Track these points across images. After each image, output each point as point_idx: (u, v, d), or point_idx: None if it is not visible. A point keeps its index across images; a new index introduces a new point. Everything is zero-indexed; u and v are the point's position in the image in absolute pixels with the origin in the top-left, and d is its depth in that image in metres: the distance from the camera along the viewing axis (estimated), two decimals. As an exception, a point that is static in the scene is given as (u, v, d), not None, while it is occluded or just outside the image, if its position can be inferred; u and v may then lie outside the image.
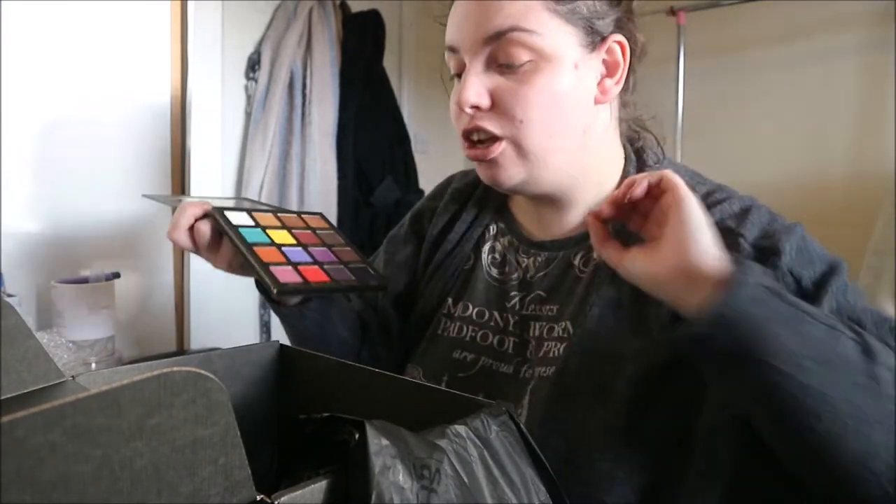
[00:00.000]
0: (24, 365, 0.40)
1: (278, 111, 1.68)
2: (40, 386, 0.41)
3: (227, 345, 0.65)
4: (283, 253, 0.69)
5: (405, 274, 0.79)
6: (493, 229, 0.76)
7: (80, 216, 1.38)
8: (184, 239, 0.69)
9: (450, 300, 0.74)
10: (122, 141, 1.45)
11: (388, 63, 1.93)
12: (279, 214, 0.75)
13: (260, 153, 1.67)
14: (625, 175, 0.69)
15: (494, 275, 0.73)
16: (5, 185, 1.26)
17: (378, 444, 0.33)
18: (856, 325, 0.52)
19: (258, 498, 0.31)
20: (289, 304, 0.73)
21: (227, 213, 0.69)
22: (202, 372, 0.29)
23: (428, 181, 1.91)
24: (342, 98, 1.75)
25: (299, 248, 0.71)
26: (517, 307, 0.70)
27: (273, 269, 0.65)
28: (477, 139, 0.64)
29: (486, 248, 0.75)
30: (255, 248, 0.67)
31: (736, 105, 1.85)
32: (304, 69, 1.70)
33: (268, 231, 0.71)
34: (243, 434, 0.31)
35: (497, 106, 0.62)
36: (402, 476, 0.33)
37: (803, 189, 1.73)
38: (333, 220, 1.71)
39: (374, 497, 0.32)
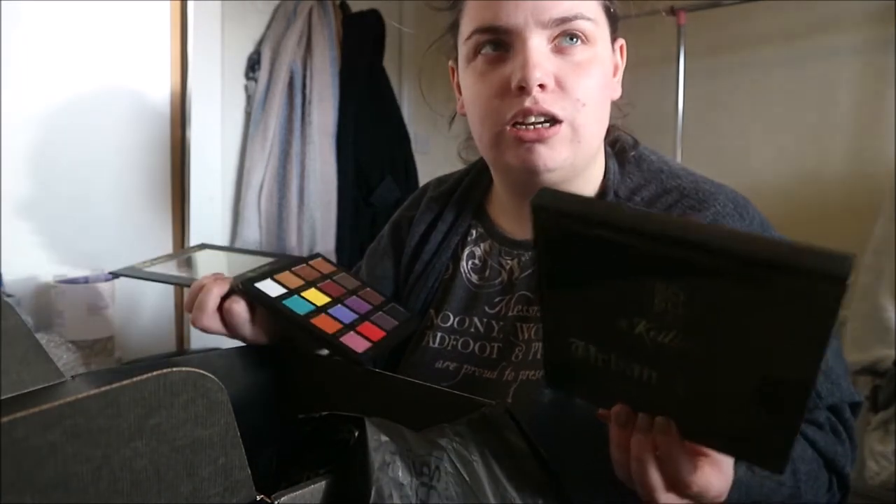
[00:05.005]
0: (24, 365, 0.40)
1: (278, 111, 1.67)
2: (40, 386, 0.41)
3: (227, 345, 0.65)
4: (331, 316, 0.64)
5: (386, 288, 0.78)
6: (472, 234, 0.75)
7: (80, 216, 1.38)
8: (216, 324, 0.61)
9: (431, 311, 0.73)
10: (121, 141, 1.45)
11: (388, 63, 1.93)
12: (293, 269, 0.69)
13: (260, 153, 1.66)
14: (606, 169, 0.69)
15: (475, 281, 0.73)
16: (5, 185, 1.26)
17: (377, 441, 0.33)
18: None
19: (258, 498, 0.31)
20: None
21: (258, 286, 0.61)
22: (202, 372, 0.29)
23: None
24: (342, 98, 1.74)
25: (339, 306, 0.67)
26: (503, 311, 0.69)
27: (342, 339, 0.61)
28: (532, 122, 0.61)
29: (466, 254, 0.74)
30: (312, 321, 0.61)
31: (736, 105, 1.85)
32: (304, 69, 1.70)
33: (302, 295, 0.65)
34: (243, 434, 0.31)
35: (560, 86, 0.61)
36: (401, 472, 0.33)
37: (803, 189, 1.72)
38: (333, 220, 1.71)
39: (373, 492, 0.32)
